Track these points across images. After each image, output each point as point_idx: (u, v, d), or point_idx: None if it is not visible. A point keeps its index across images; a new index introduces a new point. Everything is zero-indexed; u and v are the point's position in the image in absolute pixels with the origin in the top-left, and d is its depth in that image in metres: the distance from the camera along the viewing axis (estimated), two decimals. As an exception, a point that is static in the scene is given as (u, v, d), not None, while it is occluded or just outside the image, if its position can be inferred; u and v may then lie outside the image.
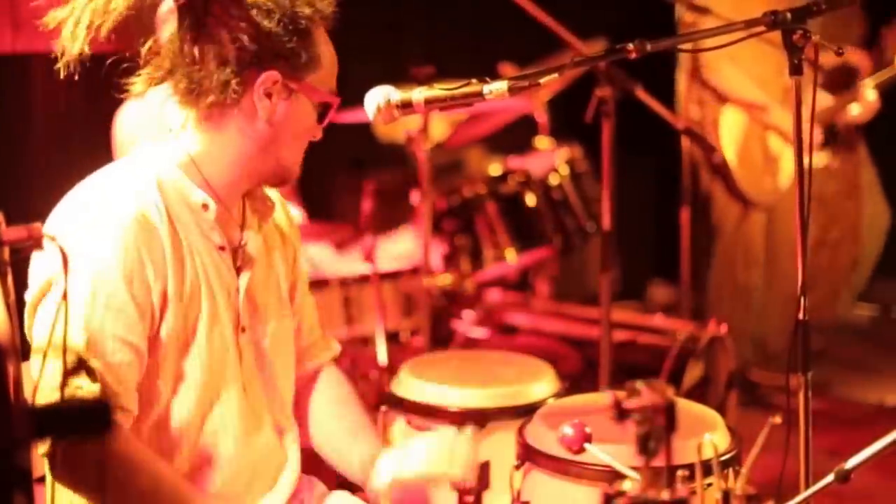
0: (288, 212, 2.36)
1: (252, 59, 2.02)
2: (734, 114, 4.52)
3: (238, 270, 2.15)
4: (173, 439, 2.06)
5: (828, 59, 4.33)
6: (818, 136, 4.49)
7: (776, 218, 4.60)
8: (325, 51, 2.09)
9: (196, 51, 2.02)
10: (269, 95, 2.05)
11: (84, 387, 1.91)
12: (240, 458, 2.13)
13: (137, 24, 2.11)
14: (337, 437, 2.34)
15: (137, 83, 2.09)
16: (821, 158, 4.57)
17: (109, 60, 2.10)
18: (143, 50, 2.10)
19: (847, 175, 4.97)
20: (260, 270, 2.20)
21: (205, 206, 2.07)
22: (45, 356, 1.88)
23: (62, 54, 2.03)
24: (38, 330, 1.98)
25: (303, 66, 2.06)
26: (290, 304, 2.31)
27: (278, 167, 2.13)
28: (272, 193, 2.25)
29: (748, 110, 4.46)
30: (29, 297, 2.00)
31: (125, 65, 2.11)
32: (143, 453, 1.98)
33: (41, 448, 1.93)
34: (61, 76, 2.03)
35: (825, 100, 4.51)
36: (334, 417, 2.37)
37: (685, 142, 4.52)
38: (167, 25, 2.11)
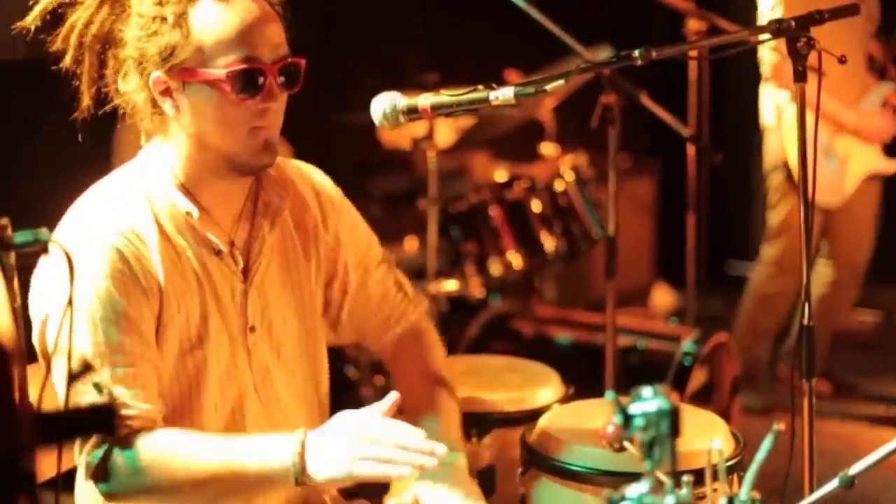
0: (325, 200, 2.29)
1: (134, 67, 2.01)
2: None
3: (245, 273, 2.13)
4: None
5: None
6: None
7: (838, 220, 4.50)
8: (207, 25, 1.97)
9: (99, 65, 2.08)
10: (169, 96, 2.02)
11: (91, 397, 1.93)
12: None
13: None
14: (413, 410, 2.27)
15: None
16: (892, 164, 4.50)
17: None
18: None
19: None
20: (273, 271, 2.17)
21: (188, 214, 2.07)
22: (49, 364, 1.89)
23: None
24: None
25: (177, 54, 1.98)
26: (331, 297, 2.29)
27: (227, 160, 2.06)
28: (306, 190, 2.23)
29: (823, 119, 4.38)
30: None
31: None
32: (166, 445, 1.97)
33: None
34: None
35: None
36: (409, 392, 2.25)
37: (690, 148, 4.52)
38: None
